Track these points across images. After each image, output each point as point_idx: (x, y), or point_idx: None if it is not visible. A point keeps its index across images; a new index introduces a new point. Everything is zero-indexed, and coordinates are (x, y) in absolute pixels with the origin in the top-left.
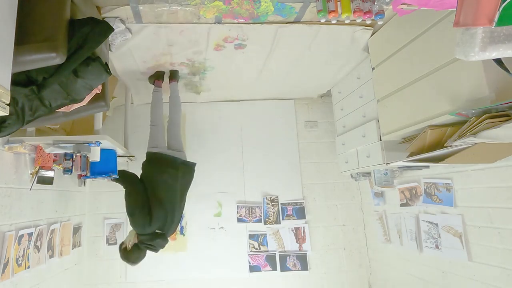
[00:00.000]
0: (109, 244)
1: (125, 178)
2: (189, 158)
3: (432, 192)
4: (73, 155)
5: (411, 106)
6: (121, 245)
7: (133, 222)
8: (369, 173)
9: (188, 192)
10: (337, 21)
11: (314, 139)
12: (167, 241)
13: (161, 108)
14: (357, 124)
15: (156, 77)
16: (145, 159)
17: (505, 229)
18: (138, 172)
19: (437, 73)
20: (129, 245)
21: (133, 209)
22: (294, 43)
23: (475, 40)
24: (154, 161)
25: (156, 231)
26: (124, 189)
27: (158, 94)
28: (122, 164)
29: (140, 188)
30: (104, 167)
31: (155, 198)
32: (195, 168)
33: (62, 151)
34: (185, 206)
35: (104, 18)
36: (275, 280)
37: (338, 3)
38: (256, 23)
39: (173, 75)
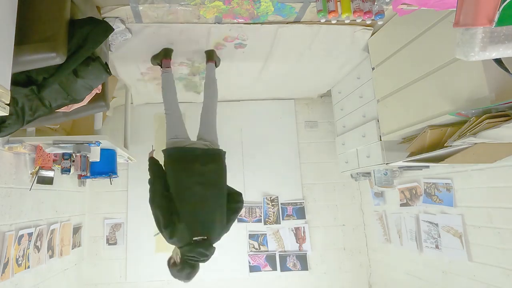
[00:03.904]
0: (109, 244)
1: (151, 168)
2: None
3: (432, 192)
4: (71, 154)
5: (411, 106)
6: (169, 261)
7: (165, 238)
8: (369, 173)
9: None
10: (337, 21)
11: (314, 139)
12: (211, 248)
13: (174, 91)
14: (357, 124)
15: (164, 55)
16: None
17: (505, 229)
18: (138, 174)
19: (437, 73)
20: (178, 259)
21: (159, 220)
22: (294, 43)
23: (475, 40)
24: (168, 158)
25: (194, 239)
26: (149, 187)
27: (168, 75)
28: (122, 164)
29: (165, 193)
30: (104, 167)
31: (178, 201)
32: (221, 153)
33: (62, 151)
34: None
35: (104, 18)
36: (275, 280)
37: (338, 3)
38: (256, 23)
39: (210, 56)
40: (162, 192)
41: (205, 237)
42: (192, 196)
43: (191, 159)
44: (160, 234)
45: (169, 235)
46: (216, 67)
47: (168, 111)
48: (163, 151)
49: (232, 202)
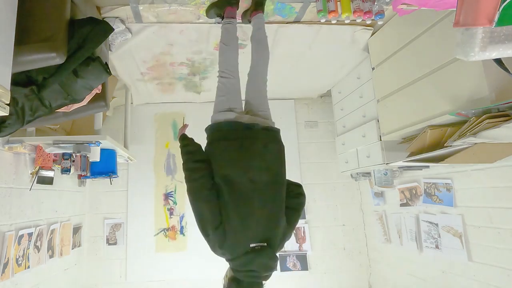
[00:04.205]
0: (109, 244)
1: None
2: None
3: (432, 192)
4: (71, 154)
5: (411, 106)
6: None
7: (212, 248)
8: (369, 173)
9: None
10: (337, 21)
11: (314, 139)
12: (275, 257)
13: (236, 50)
14: (357, 124)
15: (229, 2)
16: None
17: (505, 229)
18: (138, 174)
19: (437, 73)
20: (225, 282)
21: (202, 225)
22: (294, 43)
23: (475, 40)
24: (220, 136)
25: (252, 245)
26: (185, 175)
27: (231, 27)
28: (122, 164)
29: (210, 184)
30: (104, 167)
31: (227, 193)
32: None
33: (62, 151)
34: (186, 206)
35: (104, 18)
36: (275, 280)
37: (338, 3)
38: None
39: (258, 3)
40: (208, 182)
41: (265, 244)
42: (250, 186)
43: (251, 136)
44: (162, 233)
45: (219, 241)
46: None
47: (224, 74)
48: (208, 127)
49: (291, 197)
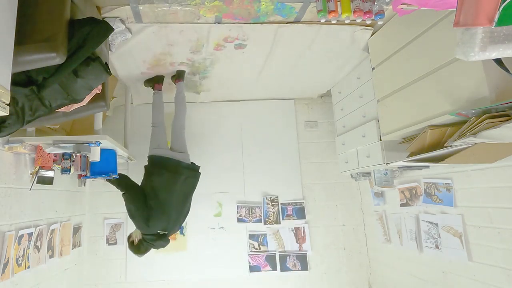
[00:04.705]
0: (109, 244)
1: (122, 183)
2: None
3: (432, 192)
4: (71, 154)
5: (411, 106)
6: (129, 237)
7: (135, 224)
8: (369, 173)
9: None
10: (337, 21)
11: (314, 139)
12: (168, 241)
13: (162, 109)
14: (357, 124)
15: (156, 81)
16: (147, 162)
17: (505, 229)
18: (138, 174)
19: (437, 73)
20: (136, 240)
21: (132, 213)
22: (294, 43)
23: (475, 40)
24: (155, 163)
25: (159, 231)
26: (121, 193)
27: (158, 96)
28: (122, 164)
29: (138, 193)
30: (104, 167)
31: (156, 201)
32: (200, 171)
33: (62, 151)
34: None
35: (104, 18)
36: (275, 280)
37: (338, 3)
38: (256, 23)
39: (180, 75)
40: (138, 189)
41: (166, 233)
42: (170, 200)
43: (179, 170)
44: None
45: (146, 220)
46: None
47: (155, 125)
48: (149, 156)
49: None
